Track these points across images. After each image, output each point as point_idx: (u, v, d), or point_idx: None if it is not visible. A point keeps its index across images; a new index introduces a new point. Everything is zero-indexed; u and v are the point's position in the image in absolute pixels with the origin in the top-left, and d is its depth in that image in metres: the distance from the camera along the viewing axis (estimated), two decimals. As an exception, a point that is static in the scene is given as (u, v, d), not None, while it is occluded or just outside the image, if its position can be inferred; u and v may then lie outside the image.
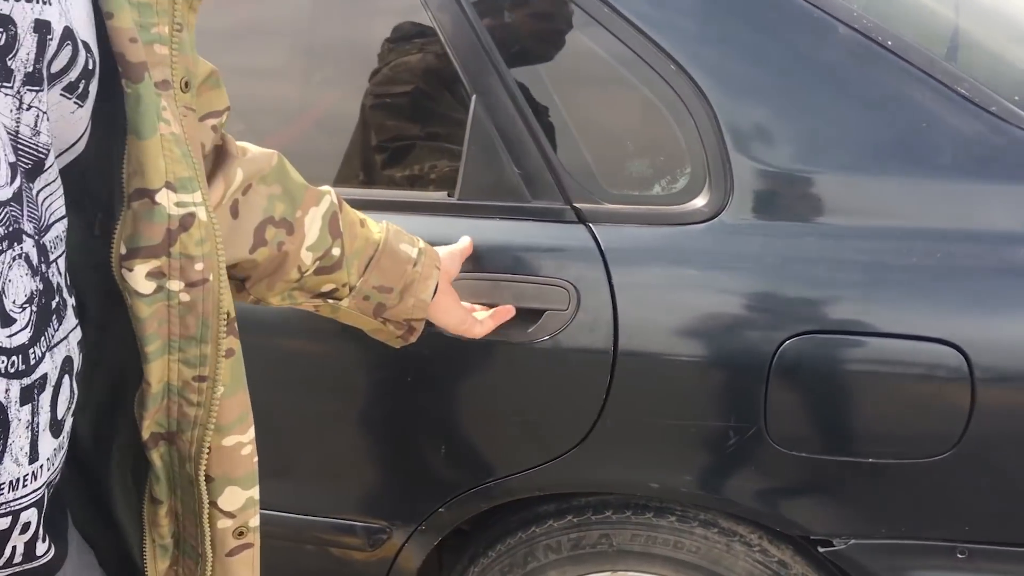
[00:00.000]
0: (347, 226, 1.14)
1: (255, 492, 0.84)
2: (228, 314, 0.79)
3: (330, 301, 1.17)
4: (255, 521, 0.85)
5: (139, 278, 0.72)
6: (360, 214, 1.19)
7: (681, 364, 1.31)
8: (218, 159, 0.98)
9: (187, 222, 0.73)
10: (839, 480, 1.31)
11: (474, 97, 1.36)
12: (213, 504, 0.81)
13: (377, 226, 1.20)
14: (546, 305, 1.33)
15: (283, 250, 1.06)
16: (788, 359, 1.25)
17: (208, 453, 0.78)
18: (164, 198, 0.72)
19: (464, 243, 1.35)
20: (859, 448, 1.28)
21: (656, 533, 1.45)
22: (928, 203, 1.27)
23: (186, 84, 0.77)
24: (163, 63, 0.74)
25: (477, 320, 1.31)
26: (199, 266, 0.74)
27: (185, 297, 0.74)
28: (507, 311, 1.33)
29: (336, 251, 1.12)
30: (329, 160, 1.57)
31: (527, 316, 1.34)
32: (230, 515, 0.82)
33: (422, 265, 1.21)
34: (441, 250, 1.29)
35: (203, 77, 0.90)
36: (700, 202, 1.30)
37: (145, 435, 0.77)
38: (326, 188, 1.14)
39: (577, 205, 1.35)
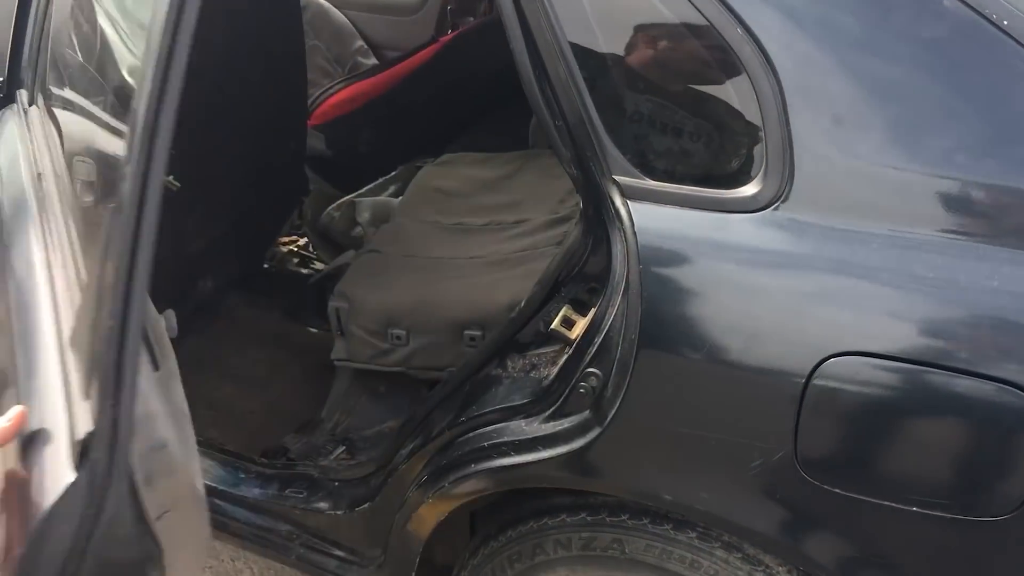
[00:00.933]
0: None
1: None
2: None
3: None
4: None
5: None
6: None
7: (706, 367, 1.15)
8: None
9: None
10: (876, 525, 1.14)
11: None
12: None
13: None
14: None
15: None
16: (828, 380, 1.08)
17: None
18: None
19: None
20: (903, 494, 1.10)
21: (672, 547, 1.32)
22: (1024, 218, 1.06)
23: None
24: None
25: None
26: None
27: None
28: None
29: None
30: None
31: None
32: None
33: None
34: None
35: None
36: (752, 189, 1.13)
37: None
38: None
39: (617, 178, 1.21)
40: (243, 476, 1.90)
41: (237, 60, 2.14)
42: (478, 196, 2.44)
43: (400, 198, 2.62)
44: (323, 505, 1.77)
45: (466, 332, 1.92)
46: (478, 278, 2.03)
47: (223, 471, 1.92)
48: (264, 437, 2.15)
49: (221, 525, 1.87)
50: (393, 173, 2.85)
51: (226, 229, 2.32)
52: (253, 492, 1.85)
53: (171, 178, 1.89)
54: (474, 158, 2.66)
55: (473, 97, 3.07)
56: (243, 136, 2.25)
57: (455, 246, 2.20)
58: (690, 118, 1.19)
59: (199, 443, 1.93)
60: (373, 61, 3.31)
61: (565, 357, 1.31)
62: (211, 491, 1.88)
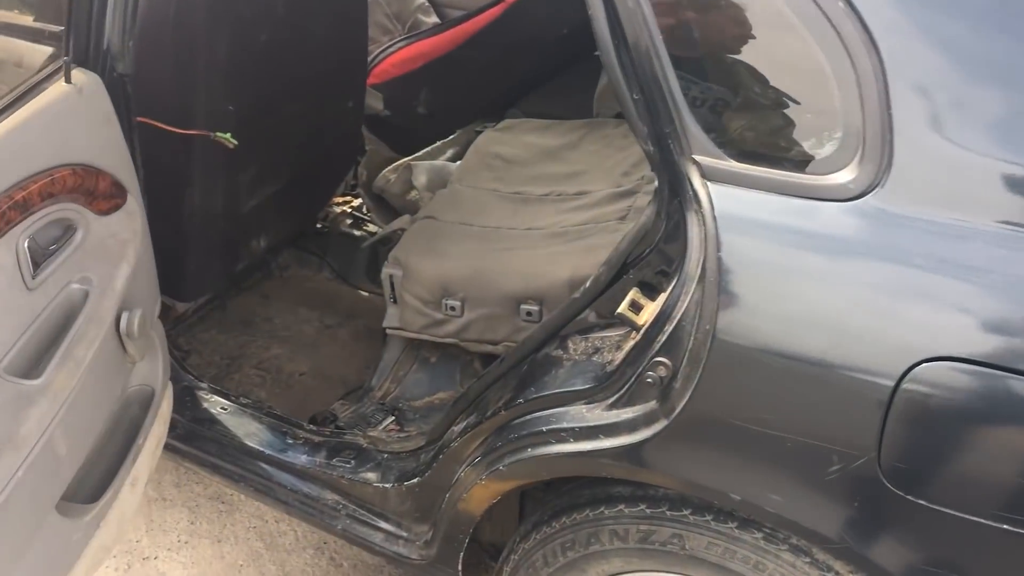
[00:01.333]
0: None
1: None
2: None
3: None
4: None
5: None
6: None
7: (785, 363, 1.09)
8: None
9: None
10: (963, 542, 1.07)
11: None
12: None
13: None
14: None
15: None
16: (919, 385, 1.01)
17: None
18: None
19: None
20: (995, 511, 1.03)
21: (736, 547, 1.26)
22: None
23: None
24: None
25: None
26: None
27: None
28: None
29: None
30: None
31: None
32: None
33: None
34: None
35: None
36: (846, 176, 1.06)
37: None
38: None
39: (697, 158, 1.13)
40: (291, 442, 1.87)
41: (298, 15, 2.09)
42: (539, 164, 2.37)
43: (458, 163, 2.56)
44: (371, 476, 1.74)
45: (523, 306, 1.87)
46: (537, 250, 1.97)
47: (271, 435, 1.90)
48: (312, 401, 2.13)
49: (266, 490, 1.85)
50: (452, 137, 2.79)
51: (280, 187, 2.28)
52: (300, 459, 1.82)
53: (228, 135, 1.85)
54: (536, 124, 2.59)
55: (537, 61, 2.98)
56: (301, 93, 2.20)
57: (513, 216, 2.14)
58: (781, 97, 1.11)
59: (246, 404, 1.91)
60: (435, 19, 3.23)
61: (632, 343, 1.25)
62: (258, 455, 1.86)
